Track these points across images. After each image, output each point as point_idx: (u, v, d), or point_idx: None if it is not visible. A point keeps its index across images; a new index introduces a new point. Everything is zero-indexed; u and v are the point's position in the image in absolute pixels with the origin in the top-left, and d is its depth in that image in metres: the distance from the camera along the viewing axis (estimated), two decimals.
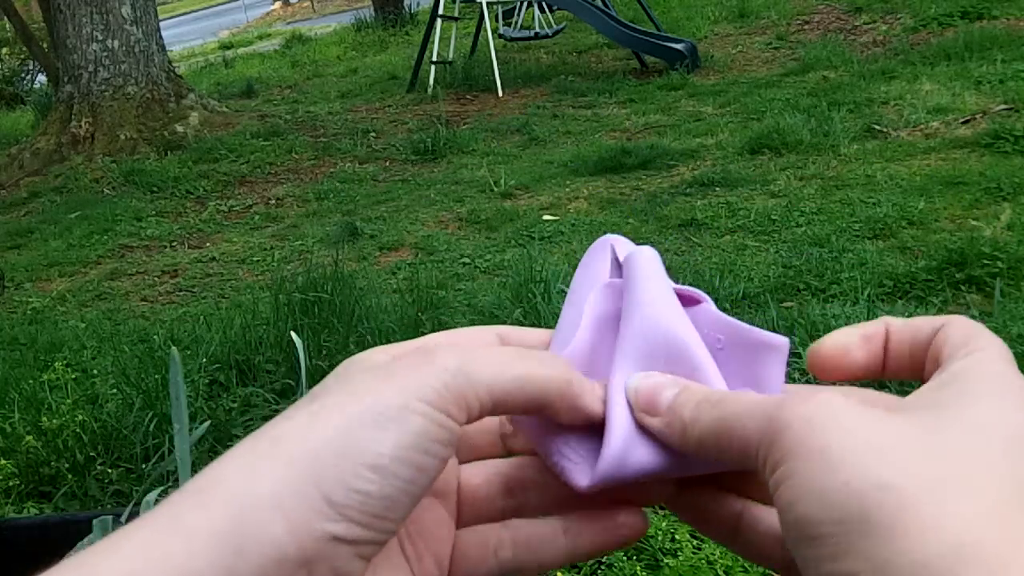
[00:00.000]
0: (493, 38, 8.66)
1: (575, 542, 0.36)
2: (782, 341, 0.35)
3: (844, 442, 0.27)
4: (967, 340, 0.32)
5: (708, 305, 0.37)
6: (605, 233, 0.42)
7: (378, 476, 0.29)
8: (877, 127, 5.45)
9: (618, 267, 0.39)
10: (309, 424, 0.30)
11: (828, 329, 2.27)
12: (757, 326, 0.36)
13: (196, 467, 2.54)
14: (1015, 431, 0.27)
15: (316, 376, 2.82)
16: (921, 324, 0.34)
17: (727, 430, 0.31)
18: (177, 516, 0.28)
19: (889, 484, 0.25)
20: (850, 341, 0.35)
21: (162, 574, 0.26)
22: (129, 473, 2.53)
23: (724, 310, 0.37)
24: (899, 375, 0.35)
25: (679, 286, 0.38)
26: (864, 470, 0.26)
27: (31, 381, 3.13)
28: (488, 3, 8.90)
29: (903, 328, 0.35)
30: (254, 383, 2.95)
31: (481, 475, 0.38)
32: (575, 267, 0.41)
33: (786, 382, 0.36)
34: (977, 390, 0.29)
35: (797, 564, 0.27)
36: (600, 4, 8.75)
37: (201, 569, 0.26)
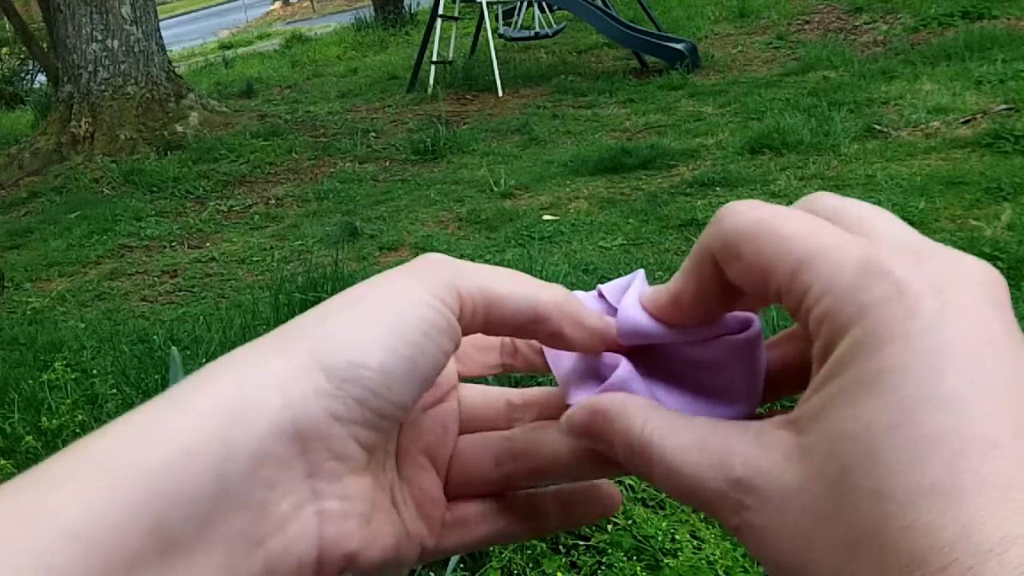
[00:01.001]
0: (493, 38, 8.66)
1: (576, 466, 0.34)
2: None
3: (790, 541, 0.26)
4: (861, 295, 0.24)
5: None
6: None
7: (378, 350, 0.29)
8: (877, 127, 5.45)
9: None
10: (320, 318, 0.30)
11: None
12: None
13: None
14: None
15: None
16: (696, 288, 0.31)
17: (673, 482, 0.29)
18: (177, 397, 0.28)
19: None
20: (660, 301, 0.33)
21: (163, 449, 0.26)
22: None
23: None
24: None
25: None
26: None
27: (31, 381, 3.13)
28: (488, 3, 8.90)
29: (678, 298, 0.32)
30: None
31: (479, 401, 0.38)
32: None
33: None
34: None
35: None
36: (600, 4, 8.75)
37: (199, 442, 0.26)
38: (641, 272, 0.37)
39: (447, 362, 0.31)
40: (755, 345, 0.33)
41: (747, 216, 0.28)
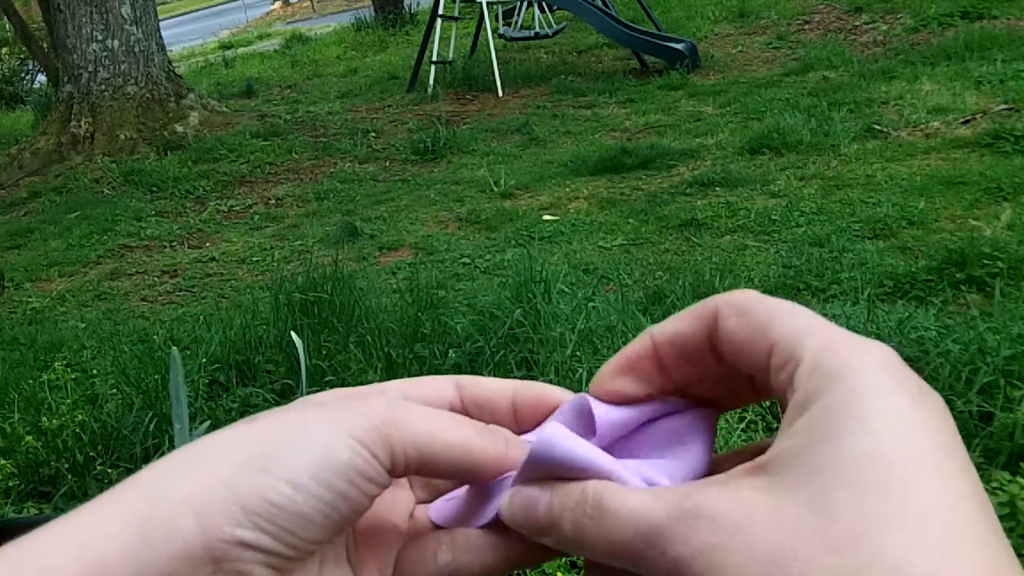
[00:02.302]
0: (493, 38, 8.66)
1: (510, 549, 0.35)
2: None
3: (752, 564, 0.25)
4: (822, 358, 0.28)
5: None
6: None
7: (295, 493, 0.29)
8: (877, 127, 5.45)
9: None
10: (240, 437, 0.30)
11: None
12: None
13: None
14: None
15: (316, 376, 2.82)
16: (697, 329, 0.32)
17: (619, 554, 0.29)
18: (95, 509, 0.29)
19: None
20: (616, 379, 0.34)
21: (76, 562, 0.27)
22: (129, 473, 2.52)
23: None
24: (700, 385, 0.34)
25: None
26: None
27: (31, 381, 3.13)
28: (488, 3, 8.90)
29: (673, 339, 0.33)
30: (254, 383, 2.95)
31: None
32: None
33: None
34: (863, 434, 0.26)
35: None
36: (600, 4, 8.75)
37: (112, 558, 0.27)
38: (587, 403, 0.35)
39: (371, 504, 0.31)
40: (713, 419, 0.35)
41: (755, 294, 0.32)
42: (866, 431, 0.26)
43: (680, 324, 0.33)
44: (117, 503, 0.29)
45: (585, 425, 0.34)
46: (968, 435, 2.13)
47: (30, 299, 4.74)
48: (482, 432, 0.34)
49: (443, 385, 0.37)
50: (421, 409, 0.33)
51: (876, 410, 0.26)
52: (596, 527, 0.29)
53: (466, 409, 0.37)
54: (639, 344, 0.34)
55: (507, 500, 0.32)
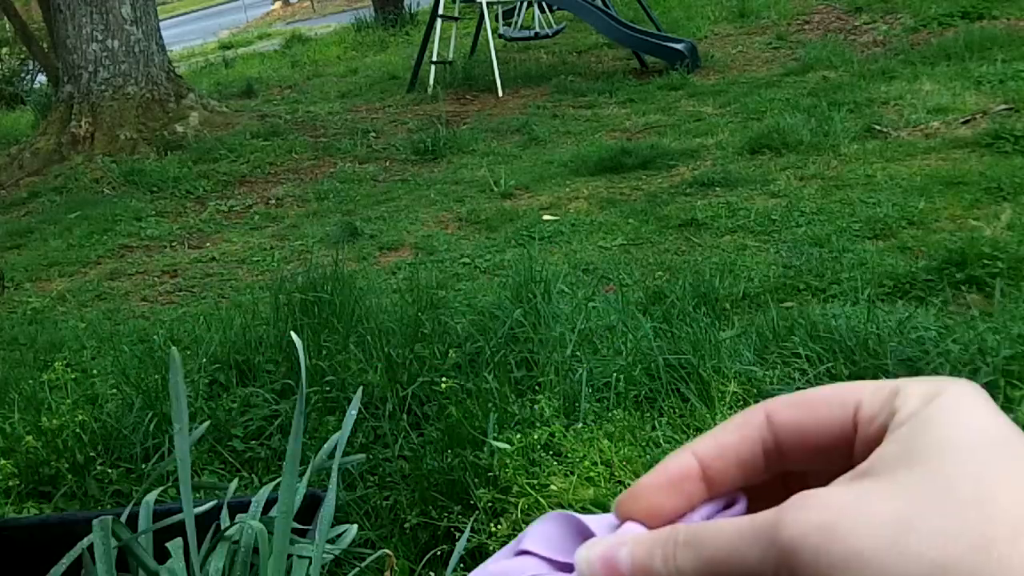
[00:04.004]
0: (493, 38, 8.66)
1: None
2: None
3: (876, 538, 0.25)
4: (915, 396, 0.29)
5: None
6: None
7: None
8: (877, 127, 5.45)
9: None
10: None
11: (828, 329, 2.24)
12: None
13: (196, 467, 2.54)
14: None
15: (316, 376, 2.82)
16: (746, 435, 0.32)
17: (723, 570, 0.28)
18: None
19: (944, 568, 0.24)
20: (656, 495, 0.32)
21: None
22: (129, 473, 2.53)
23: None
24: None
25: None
26: (912, 558, 0.24)
27: (31, 381, 3.13)
28: (488, 3, 8.90)
29: (722, 451, 0.32)
30: (254, 383, 2.94)
31: None
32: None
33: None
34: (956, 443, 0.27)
35: None
36: (600, 4, 8.75)
37: None
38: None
39: None
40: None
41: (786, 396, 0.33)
42: (969, 423, 0.27)
43: (726, 436, 0.32)
44: None
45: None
46: None
47: (30, 299, 4.74)
48: None
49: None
50: None
51: (976, 412, 0.28)
52: (695, 550, 0.28)
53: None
54: (680, 461, 0.32)
55: (583, 553, 0.31)
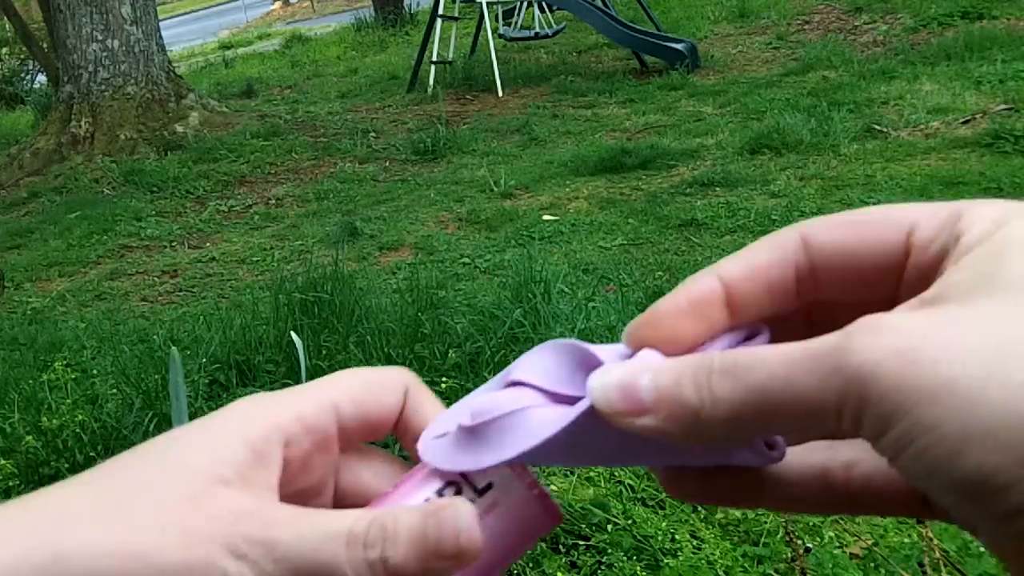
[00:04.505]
0: (493, 38, 8.66)
1: None
2: None
3: (970, 367, 0.22)
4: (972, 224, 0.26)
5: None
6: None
7: None
8: (877, 127, 5.45)
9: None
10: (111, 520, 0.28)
11: None
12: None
13: None
14: None
15: (316, 376, 2.83)
16: (780, 258, 0.28)
17: (771, 401, 0.24)
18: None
19: None
20: (678, 321, 0.29)
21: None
22: None
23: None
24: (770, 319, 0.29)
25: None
26: (1018, 388, 0.21)
27: (31, 381, 3.13)
28: (488, 3, 8.90)
29: (752, 274, 0.29)
30: (254, 383, 2.95)
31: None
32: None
33: None
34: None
35: (966, 525, 0.24)
36: (600, 4, 8.75)
37: None
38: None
39: None
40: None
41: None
42: None
43: (756, 257, 0.29)
44: (26, 537, 0.27)
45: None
46: None
47: (30, 299, 4.74)
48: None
49: (390, 383, 0.35)
50: (290, 520, 0.29)
51: None
52: (735, 378, 0.25)
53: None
54: (703, 283, 0.29)
55: (598, 381, 0.27)
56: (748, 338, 0.30)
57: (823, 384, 0.23)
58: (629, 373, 0.27)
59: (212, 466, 0.29)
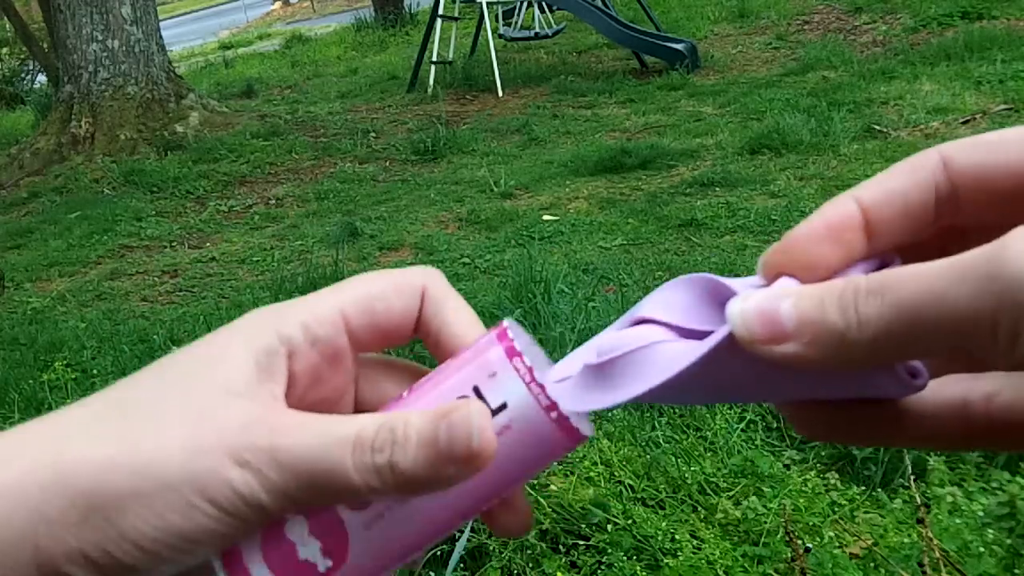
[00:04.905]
0: (493, 38, 8.66)
1: None
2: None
3: None
4: None
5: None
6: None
7: (141, 555, 0.28)
8: (877, 127, 5.45)
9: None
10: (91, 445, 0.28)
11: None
12: None
13: None
14: None
15: None
16: (918, 181, 0.27)
17: (921, 317, 0.23)
18: None
19: None
20: (817, 247, 0.28)
21: None
22: None
23: None
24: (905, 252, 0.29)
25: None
26: None
27: (31, 381, 3.13)
28: (488, 3, 8.90)
29: (890, 198, 0.28)
30: None
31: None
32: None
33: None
34: None
35: None
36: (600, 4, 8.75)
37: None
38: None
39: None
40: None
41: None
42: None
43: (894, 180, 0.28)
44: None
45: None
46: None
47: (30, 299, 4.74)
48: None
49: (406, 286, 0.34)
50: (298, 425, 0.29)
51: None
52: (883, 297, 0.24)
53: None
54: (841, 207, 0.28)
55: (736, 307, 0.26)
56: (881, 267, 0.28)
57: (977, 295, 0.22)
58: (769, 298, 0.26)
59: (217, 379, 0.29)
